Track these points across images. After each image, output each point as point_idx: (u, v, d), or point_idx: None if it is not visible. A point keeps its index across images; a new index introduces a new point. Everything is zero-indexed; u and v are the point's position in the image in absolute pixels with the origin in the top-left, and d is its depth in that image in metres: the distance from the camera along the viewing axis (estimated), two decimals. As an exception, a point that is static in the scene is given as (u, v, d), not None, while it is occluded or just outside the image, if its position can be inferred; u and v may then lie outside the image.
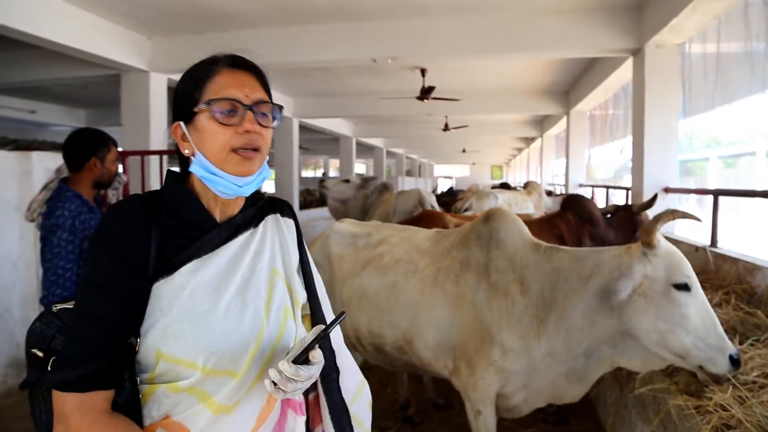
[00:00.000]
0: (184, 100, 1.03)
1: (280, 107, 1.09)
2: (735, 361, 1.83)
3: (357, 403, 1.19)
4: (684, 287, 1.88)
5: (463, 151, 21.73)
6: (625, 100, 6.96)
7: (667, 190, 4.73)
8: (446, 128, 11.59)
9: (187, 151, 1.04)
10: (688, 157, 5.30)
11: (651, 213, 3.77)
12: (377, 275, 2.63)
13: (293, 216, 1.22)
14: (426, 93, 7.70)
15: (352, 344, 2.80)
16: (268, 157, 1.10)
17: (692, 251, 3.76)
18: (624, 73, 5.97)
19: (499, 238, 2.39)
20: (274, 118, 1.07)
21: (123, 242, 0.95)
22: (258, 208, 1.14)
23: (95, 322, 0.92)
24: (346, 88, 9.19)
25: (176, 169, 1.12)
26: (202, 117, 1.01)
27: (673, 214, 2.02)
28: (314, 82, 8.60)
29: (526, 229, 2.43)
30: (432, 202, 5.94)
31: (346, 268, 2.77)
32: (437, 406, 3.59)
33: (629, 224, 3.39)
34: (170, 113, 1.09)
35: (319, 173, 30.94)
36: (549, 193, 8.25)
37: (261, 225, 1.12)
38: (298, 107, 10.09)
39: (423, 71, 7.51)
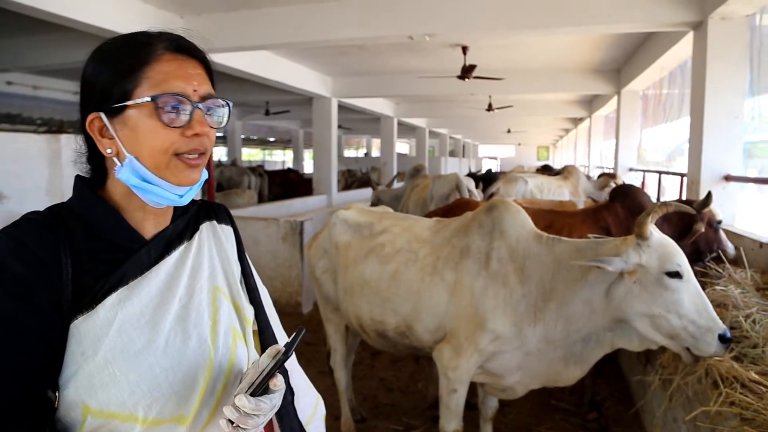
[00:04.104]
0: (106, 87, 0.83)
1: (228, 104, 0.89)
2: (726, 340, 1.92)
3: (314, 422, 1.09)
4: (675, 275, 2.00)
5: (508, 131, 21.14)
6: (681, 78, 6.45)
7: (728, 178, 4.28)
8: (490, 108, 11.22)
9: (109, 151, 0.84)
10: (751, 139, 4.84)
11: (713, 207, 3.40)
12: (378, 264, 2.72)
13: (231, 222, 1.04)
14: (467, 72, 7.36)
15: (356, 331, 2.96)
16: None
17: (756, 247, 3.40)
18: (682, 49, 5.48)
19: (503, 228, 2.45)
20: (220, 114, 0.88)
21: (24, 275, 0.76)
22: (190, 216, 0.95)
23: None
24: (385, 66, 8.92)
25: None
26: (136, 112, 0.82)
27: (666, 207, 2.15)
28: (352, 60, 8.37)
29: (529, 220, 2.49)
30: (470, 188, 5.72)
31: (351, 256, 2.85)
32: (470, 406, 3.41)
33: (686, 221, 3.06)
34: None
35: (361, 153, 30.84)
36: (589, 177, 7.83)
37: (196, 236, 0.93)
38: (336, 86, 9.89)
39: (464, 49, 7.17)
